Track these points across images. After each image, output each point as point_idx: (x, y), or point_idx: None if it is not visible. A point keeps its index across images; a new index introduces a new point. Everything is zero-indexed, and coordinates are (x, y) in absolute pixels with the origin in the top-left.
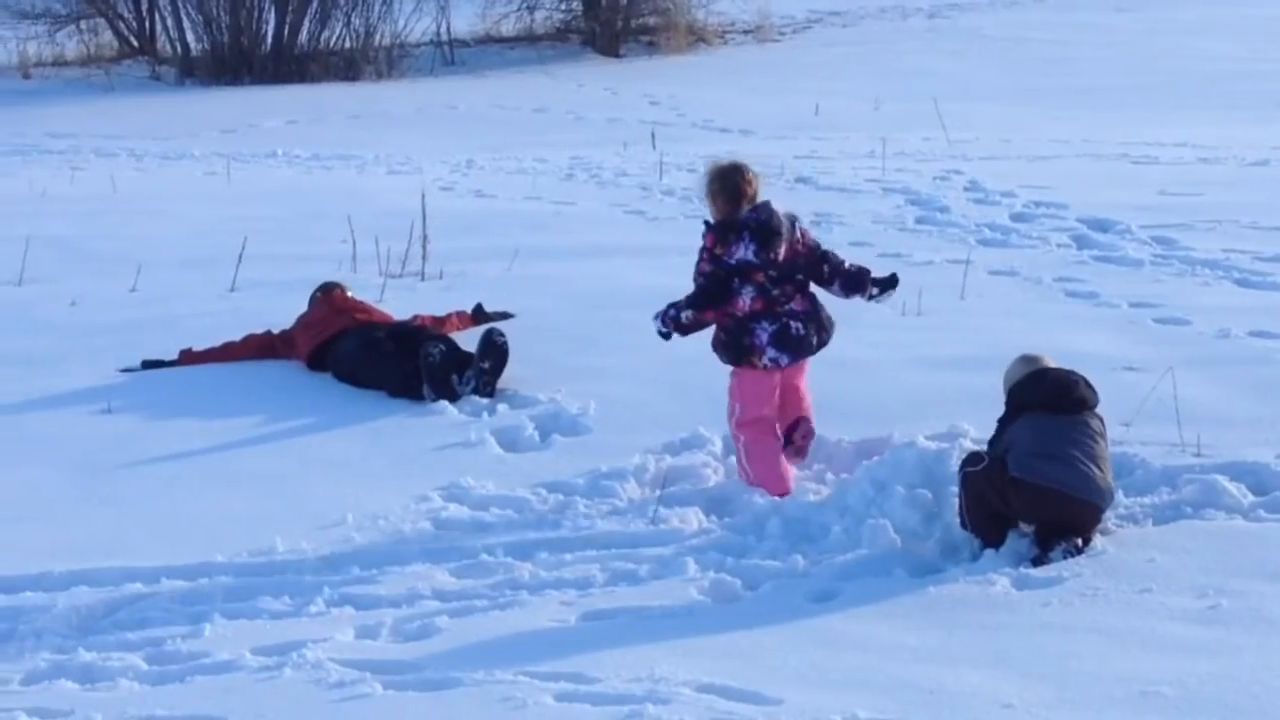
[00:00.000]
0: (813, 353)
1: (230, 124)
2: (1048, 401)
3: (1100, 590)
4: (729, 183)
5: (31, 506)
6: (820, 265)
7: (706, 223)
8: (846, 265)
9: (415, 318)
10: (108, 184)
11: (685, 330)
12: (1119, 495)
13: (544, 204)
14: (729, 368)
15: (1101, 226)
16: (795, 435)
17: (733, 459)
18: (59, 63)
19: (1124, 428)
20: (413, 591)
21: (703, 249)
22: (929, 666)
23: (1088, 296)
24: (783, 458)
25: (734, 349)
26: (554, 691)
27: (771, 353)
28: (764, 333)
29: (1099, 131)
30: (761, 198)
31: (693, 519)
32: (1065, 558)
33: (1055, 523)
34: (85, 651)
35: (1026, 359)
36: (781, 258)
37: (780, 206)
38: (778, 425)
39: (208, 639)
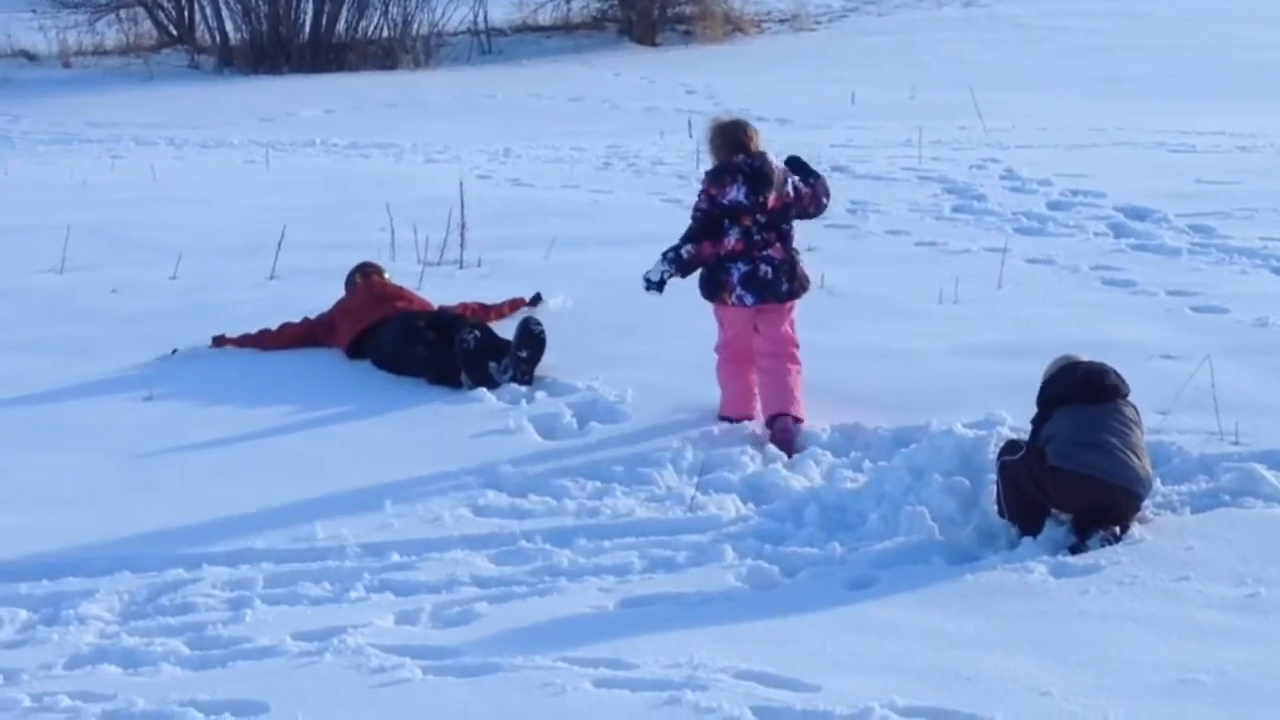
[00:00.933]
0: (780, 299)
1: (269, 113)
2: (1081, 392)
3: (1138, 578)
4: (730, 135)
5: (73, 492)
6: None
7: (708, 171)
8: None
9: (461, 306)
10: (147, 173)
11: (686, 267)
12: (1156, 483)
13: (581, 192)
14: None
15: (1138, 215)
16: (773, 430)
17: (769, 446)
18: (99, 52)
19: (1161, 416)
20: (452, 577)
21: (701, 190)
22: (966, 653)
23: (1125, 285)
24: (753, 388)
25: (709, 285)
26: (593, 677)
27: (739, 291)
28: (736, 272)
29: (1136, 120)
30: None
31: (730, 506)
32: (1103, 545)
33: (1094, 511)
34: (128, 636)
35: (1063, 357)
36: (770, 205)
37: (777, 161)
38: (758, 365)
39: (249, 624)
